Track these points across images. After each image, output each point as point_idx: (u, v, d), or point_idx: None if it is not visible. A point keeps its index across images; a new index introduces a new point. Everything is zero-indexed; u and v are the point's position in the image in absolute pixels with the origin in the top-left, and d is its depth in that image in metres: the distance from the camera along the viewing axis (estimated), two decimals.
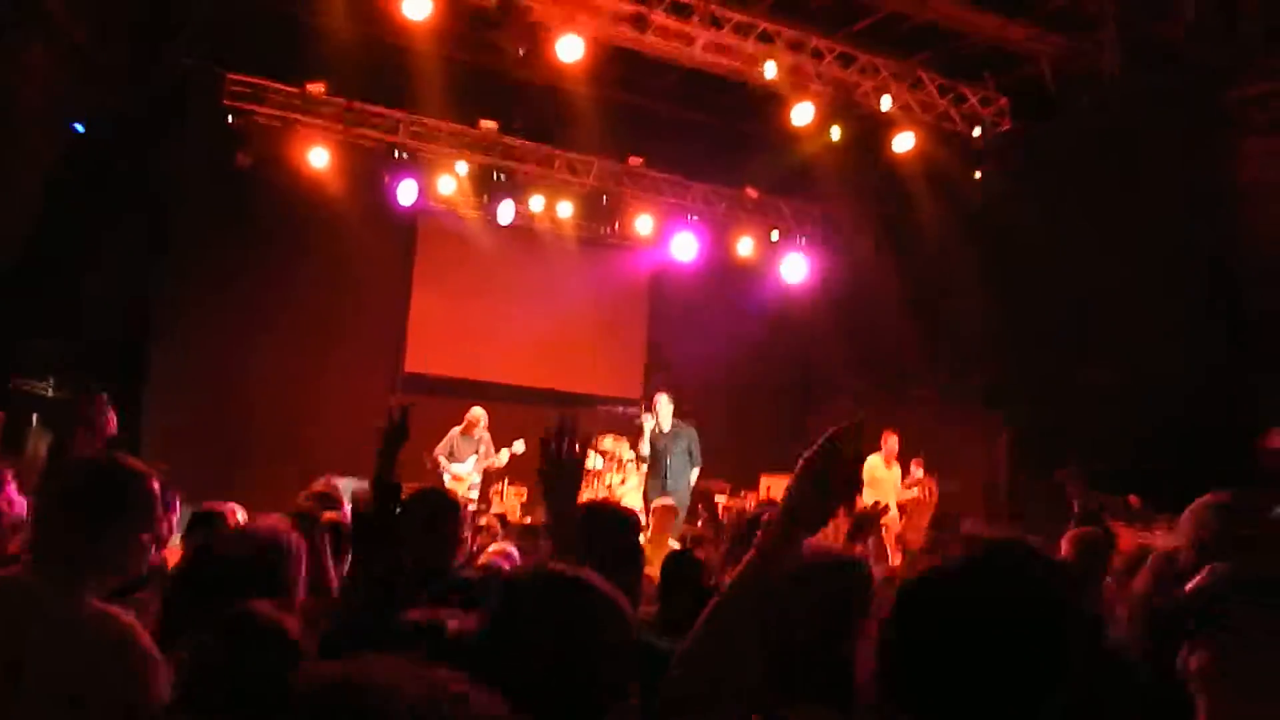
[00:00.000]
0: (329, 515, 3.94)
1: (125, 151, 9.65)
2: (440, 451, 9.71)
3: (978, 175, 10.47)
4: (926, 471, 10.14)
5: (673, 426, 9.54)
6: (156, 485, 2.11)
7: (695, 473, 9.74)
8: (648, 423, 9.57)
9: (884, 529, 9.35)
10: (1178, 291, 8.53)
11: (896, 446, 9.85)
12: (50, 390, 9.77)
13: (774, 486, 10.10)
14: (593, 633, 1.44)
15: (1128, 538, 8.42)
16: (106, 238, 9.92)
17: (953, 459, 10.29)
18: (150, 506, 2.09)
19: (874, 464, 9.54)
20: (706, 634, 1.48)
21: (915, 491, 10.03)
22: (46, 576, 1.94)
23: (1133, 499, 9.11)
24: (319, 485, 5.25)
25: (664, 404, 9.58)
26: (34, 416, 9.60)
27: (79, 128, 9.06)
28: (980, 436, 10.45)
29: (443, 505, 3.17)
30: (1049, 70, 9.65)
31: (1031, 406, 9.85)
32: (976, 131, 10.12)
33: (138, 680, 1.87)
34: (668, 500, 8.02)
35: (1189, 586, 1.75)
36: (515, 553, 4.18)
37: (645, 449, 9.60)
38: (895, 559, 7.48)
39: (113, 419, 3.15)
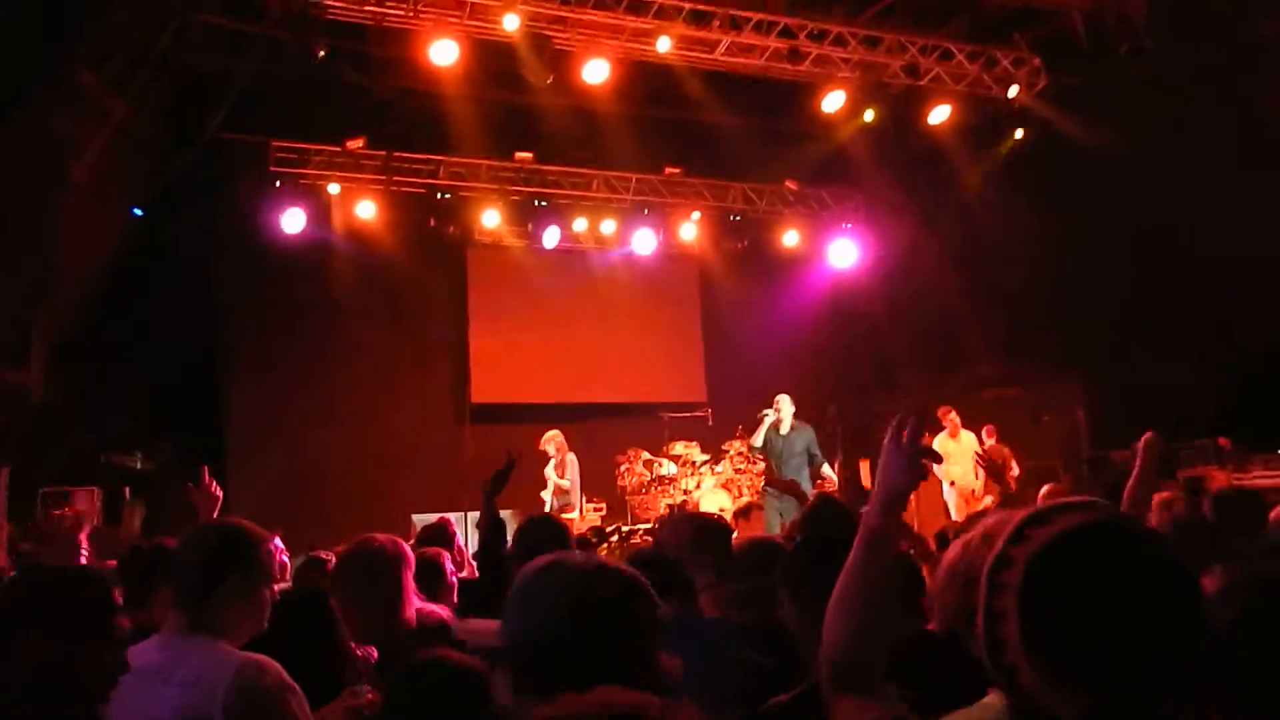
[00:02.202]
0: (434, 550, 3.97)
1: (178, 224, 9.92)
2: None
3: (1019, 135, 10.34)
4: (999, 439, 9.95)
5: (791, 428, 9.26)
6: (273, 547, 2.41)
7: (824, 468, 9.35)
8: (768, 418, 9.37)
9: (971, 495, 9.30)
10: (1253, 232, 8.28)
11: (958, 418, 9.71)
12: (139, 463, 10.16)
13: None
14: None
15: (1220, 480, 8.26)
16: (167, 310, 10.24)
17: (1028, 429, 10.14)
18: (271, 565, 2.37)
19: (940, 441, 9.43)
20: (837, 614, 1.55)
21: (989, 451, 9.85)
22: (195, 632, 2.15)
23: (1223, 441, 8.92)
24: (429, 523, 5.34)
25: (786, 404, 9.27)
26: (126, 490, 10.02)
27: (138, 212, 9.34)
28: (1053, 402, 10.29)
29: None
30: (1080, 22, 9.47)
31: (1106, 366, 9.66)
32: (1012, 91, 9.97)
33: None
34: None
35: None
36: None
37: (758, 441, 9.43)
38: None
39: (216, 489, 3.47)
